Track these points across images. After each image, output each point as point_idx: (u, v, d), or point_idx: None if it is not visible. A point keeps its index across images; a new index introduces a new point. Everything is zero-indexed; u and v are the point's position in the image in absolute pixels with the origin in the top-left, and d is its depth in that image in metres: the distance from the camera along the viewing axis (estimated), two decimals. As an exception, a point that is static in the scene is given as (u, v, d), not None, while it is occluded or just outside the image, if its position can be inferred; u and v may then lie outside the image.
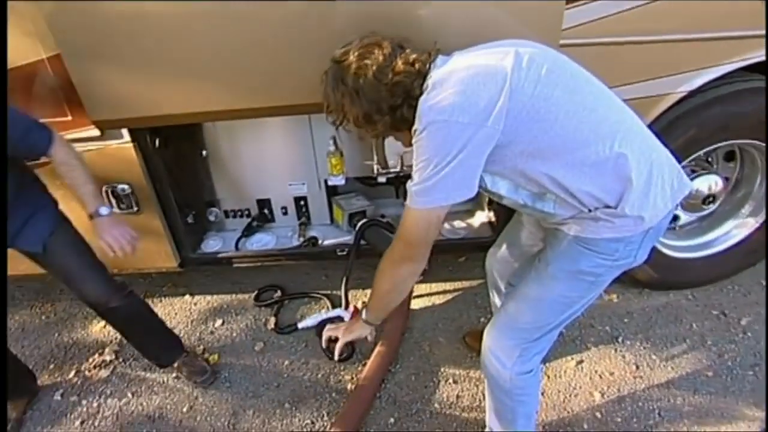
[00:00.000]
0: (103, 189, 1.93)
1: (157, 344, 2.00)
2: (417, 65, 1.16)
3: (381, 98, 1.16)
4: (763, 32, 1.59)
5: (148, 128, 1.83)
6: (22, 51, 1.59)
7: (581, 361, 2.00)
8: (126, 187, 1.93)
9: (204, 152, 2.14)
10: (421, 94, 1.14)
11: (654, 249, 1.35)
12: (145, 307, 1.92)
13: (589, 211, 1.18)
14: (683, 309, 2.17)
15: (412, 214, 1.16)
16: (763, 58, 1.65)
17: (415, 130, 1.12)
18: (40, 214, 1.61)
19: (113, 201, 1.97)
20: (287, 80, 1.61)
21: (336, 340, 1.51)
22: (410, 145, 1.28)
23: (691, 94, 1.72)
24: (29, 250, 1.61)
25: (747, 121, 1.80)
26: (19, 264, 1.67)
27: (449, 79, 1.10)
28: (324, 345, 1.59)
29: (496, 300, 1.81)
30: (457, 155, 1.07)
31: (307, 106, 1.63)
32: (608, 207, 1.16)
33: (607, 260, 1.22)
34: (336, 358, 1.55)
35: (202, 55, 1.58)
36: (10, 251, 1.61)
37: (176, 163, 2.03)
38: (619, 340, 2.07)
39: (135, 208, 1.99)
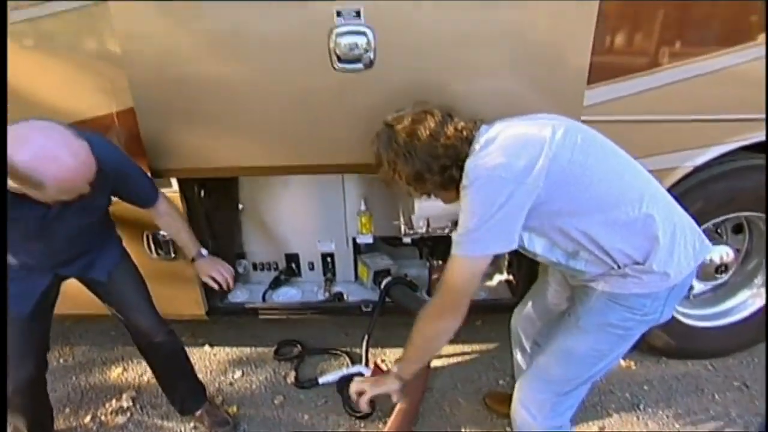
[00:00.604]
0: (144, 234, 2.03)
1: (185, 388, 2.02)
2: (465, 132, 1.31)
3: (433, 159, 1.30)
4: (763, 116, 1.77)
5: (195, 179, 1.97)
6: (95, 105, 1.76)
7: (603, 428, 1.99)
8: (165, 233, 2.03)
9: (240, 206, 2.26)
10: (467, 156, 1.28)
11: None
12: (182, 349, 1.96)
13: (618, 267, 1.27)
14: (703, 379, 2.18)
15: (457, 263, 1.25)
16: (763, 138, 1.82)
17: (463, 187, 1.24)
18: (108, 248, 1.74)
19: (152, 246, 2.06)
20: (328, 141, 1.77)
21: (362, 393, 1.47)
22: (450, 202, 1.42)
23: (698, 169, 1.88)
24: (97, 278, 1.70)
25: (750, 195, 1.94)
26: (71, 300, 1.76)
27: (494, 143, 1.25)
28: (353, 395, 1.56)
29: (520, 359, 1.84)
30: (499, 209, 1.18)
31: (346, 166, 1.79)
32: (637, 263, 1.25)
33: (636, 315, 1.30)
34: (362, 409, 1.53)
35: (256, 116, 1.74)
36: (70, 287, 1.72)
37: (214, 214, 2.15)
38: (641, 407, 2.06)
39: (172, 255, 2.07)
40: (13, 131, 1.21)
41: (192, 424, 2.07)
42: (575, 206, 1.22)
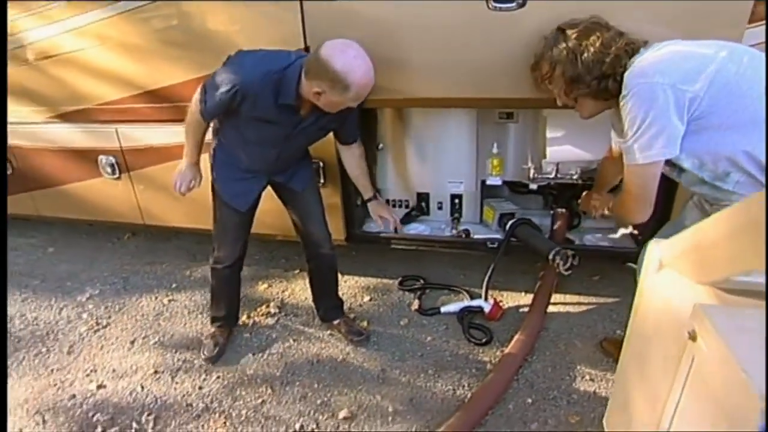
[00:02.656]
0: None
1: (330, 299, 2.34)
2: (632, 47, 1.41)
3: (597, 64, 1.41)
4: None
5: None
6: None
7: None
8: (320, 162, 2.32)
9: (381, 145, 2.51)
10: (625, 70, 1.38)
11: None
12: (336, 266, 2.28)
13: None
14: None
15: (630, 172, 1.38)
16: None
17: (622, 97, 1.35)
18: (304, 167, 2.10)
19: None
20: (484, 76, 1.92)
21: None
22: (590, 116, 1.53)
23: None
24: (294, 188, 2.06)
25: None
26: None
27: (657, 53, 1.33)
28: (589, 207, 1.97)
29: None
30: (659, 114, 1.26)
31: (499, 100, 1.99)
32: None
33: None
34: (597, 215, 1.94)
35: (423, 54, 1.94)
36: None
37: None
38: None
39: (322, 182, 2.36)
40: (330, 45, 1.59)
41: (329, 332, 2.37)
42: (736, 120, 1.26)
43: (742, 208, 0.63)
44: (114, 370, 2.26)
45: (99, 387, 2.17)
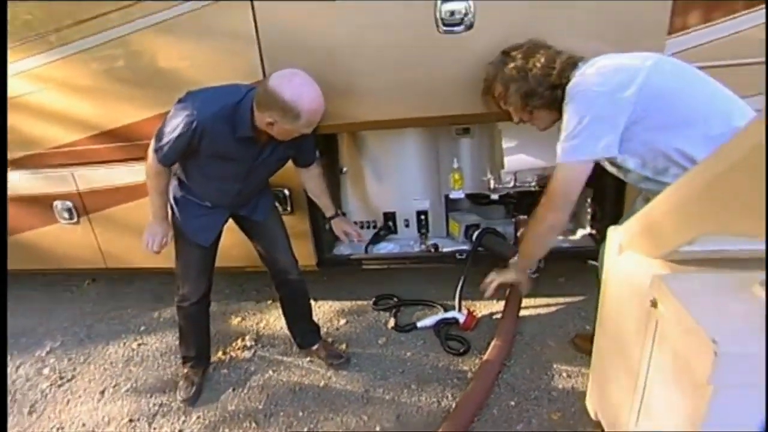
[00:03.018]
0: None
1: (305, 325, 2.33)
2: (571, 61, 1.55)
3: (547, 77, 1.54)
4: None
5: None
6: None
7: None
8: (286, 191, 2.34)
9: (344, 169, 2.56)
10: (569, 81, 1.50)
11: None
12: (307, 291, 2.28)
13: None
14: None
15: (560, 169, 1.47)
16: None
17: (564, 104, 1.47)
18: (266, 196, 2.11)
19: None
20: (435, 96, 2.02)
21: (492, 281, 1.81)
22: (546, 127, 1.65)
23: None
24: (257, 219, 2.06)
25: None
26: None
27: (592, 68, 1.47)
28: (485, 284, 1.82)
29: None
30: (594, 117, 1.39)
31: (451, 117, 2.06)
32: None
33: None
34: (488, 295, 1.79)
35: (374, 77, 2.02)
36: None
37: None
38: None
39: (289, 210, 2.38)
40: (277, 76, 1.63)
41: (308, 359, 2.35)
42: (668, 121, 1.40)
43: (681, 184, 0.72)
44: (84, 425, 2.15)
45: (68, 445, 2.06)
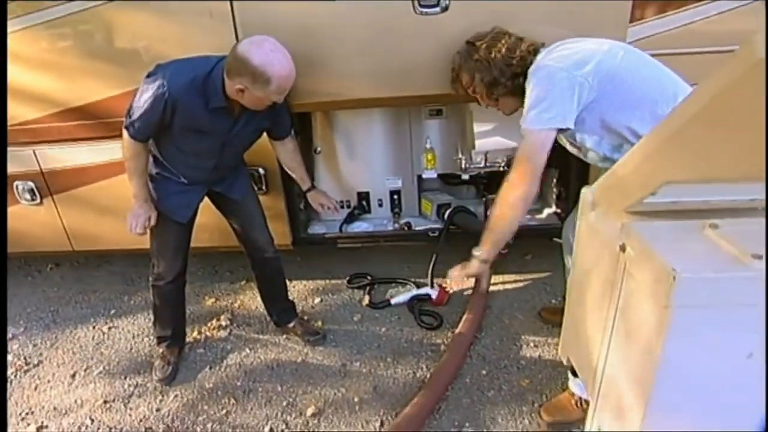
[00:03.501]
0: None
1: (281, 302, 2.36)
2: (533, 48, 1.63)
3: (507, 67, 1.62)
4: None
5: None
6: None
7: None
8: (261, 170, 2.34)
9: (318, 149, 2.57)
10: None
11: None
12: (282, 269, 2.30)
13: None
14: None
15: (525, 136, 1.52)
16: None
17: (527, 84, 1.55)
18: (242, 174, 2.11)
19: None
20: (411, 75, 2.06)
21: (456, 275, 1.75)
22: (512, 111, 1.72)
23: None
24: (233, 197, 2.06)
25: None
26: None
27: (552, 53, 1.56)
28: (449, 279, 1.77)
29: (569, 263, 2.12)
30: (555, 89, 1.46)
31: (425, 97, 2.12)
32: None
33: None
34: (453, 288, 1.79)
35: (352, 57, 2.04)
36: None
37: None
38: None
39: (264, 189, 2.38)
40: (247, 42, 1.62)
41: (285, 336, 2.38)
42: (621, 102, 1.49)
43: (644, 142, 0.82)
44: (55, 408, 2.12)
45: (40, 428, 2.03)
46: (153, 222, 1.92)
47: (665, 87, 1.52)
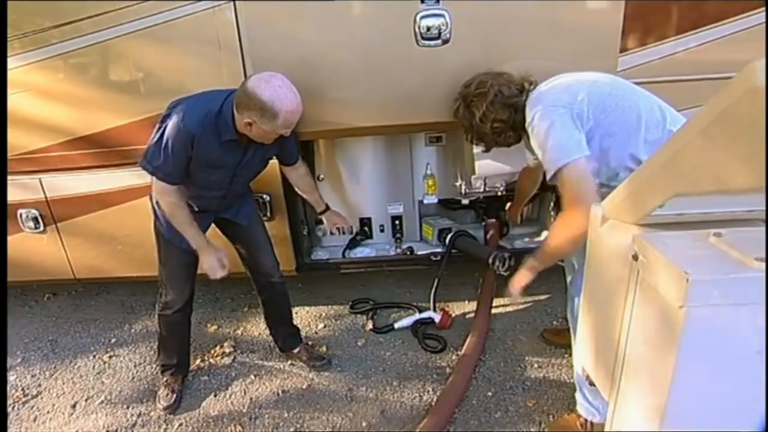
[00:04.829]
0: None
1: (286, 327, 2.37)
2: (525, 84, 1.72)
3: (507, 130, 1.73)
4: None
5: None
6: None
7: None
8: (266, 196, 2.39)
9: (321, 176, 2.63)
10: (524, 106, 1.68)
11: None
12: (288, 294, 2.32)
13: None
14: None
15: (562, 175, 1.52)
16: None
17: (528, 125, 1.62)
18: (248, 200, 2.15)
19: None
20: (414, 104, 2.15)
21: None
22: (512, 144, 1.81)
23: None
24: (240, 222, 2.09)
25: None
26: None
27: (544, 89, 1.65)
28: (512, 289, 1.72)
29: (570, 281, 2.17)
30: (560, 123, 1.52)
31: (428, 125, 2.21)
32: None
33: None
34: (515, 294, 1.75)
35: (357, 87, 2.13)
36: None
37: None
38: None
39: (269, 215, 2.42)
40: (256, 77, 1.68)
41: (289, 362, 2.38)
42: (615, 129, 1.56)
43: (656, 156, 0.90)
44: (54, 440, 2.08)
45: (39, 460, 1.99)
46: (226, 261, 1.95)
47: (654, 113, 1.61)
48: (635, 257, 0.94)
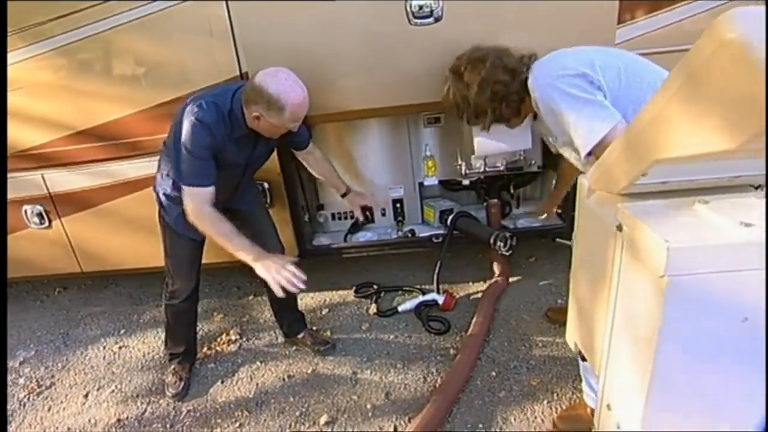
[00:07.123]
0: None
1: (291, 313, 2.38)
2: (524, 59, 1.65)
3: (507, 103, 1.66)
4: None
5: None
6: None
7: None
8: (266, 184, 2.39)
9: (321, 162, 2.62)
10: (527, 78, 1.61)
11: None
12: None
13: None
14: None
15: (600, 149, 1.36)
16: None
17: (535, 100, 1.56)
18: (252, 188, 2.18)
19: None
20: (407, 85, 2.13)
21: None
22: (515, 124, 1.76)
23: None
24: (246, 209, 2.10)
25: None
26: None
27: (547, 60, 1.58)
28: None
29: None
30: (577, 99, 1.47)
31: (422, 105, 2.18)
32: None
33: None
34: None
35: (351, 69, 2.11)
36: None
37: (300, 172, 2.51)
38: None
39: (269, 203, 2.42)
40: (263, 72, 1.68)
41: (294, 348, 2.40)
42: (622, 93, 1.51)
43: (628, 129, 0.88)
44: (69, 429, 2.12)
45: (55, 449, 2.04)
46: (292, 267, 1.67)
47: (656, 82, 1.56)
48: (619, 228, 0.92)
